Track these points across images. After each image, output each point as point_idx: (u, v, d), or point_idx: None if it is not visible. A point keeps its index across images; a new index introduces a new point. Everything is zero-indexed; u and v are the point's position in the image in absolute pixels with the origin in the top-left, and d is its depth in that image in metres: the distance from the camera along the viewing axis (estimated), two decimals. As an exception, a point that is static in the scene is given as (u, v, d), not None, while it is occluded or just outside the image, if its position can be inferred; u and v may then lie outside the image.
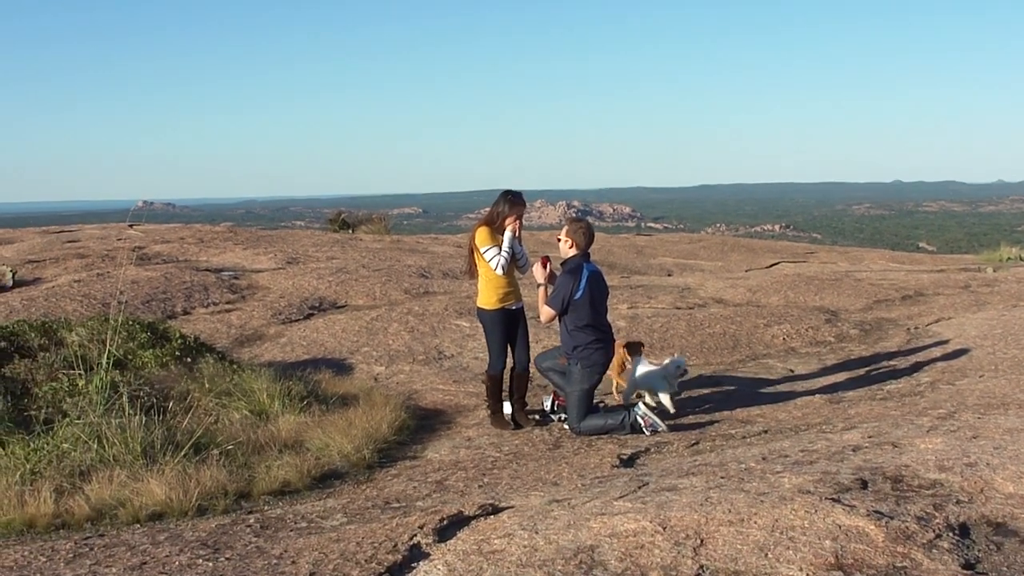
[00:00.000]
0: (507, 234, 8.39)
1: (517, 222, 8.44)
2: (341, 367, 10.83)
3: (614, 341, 8.47)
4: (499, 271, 8.32)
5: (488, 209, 8.60)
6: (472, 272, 8.64)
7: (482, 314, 8.58)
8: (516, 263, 8.51)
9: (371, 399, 8.76)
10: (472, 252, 8.53)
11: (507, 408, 8.67)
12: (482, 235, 8.42)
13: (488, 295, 8.46)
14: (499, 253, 8.32)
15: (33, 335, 9.19)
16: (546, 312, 8.16)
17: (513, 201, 8.43)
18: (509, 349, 8.60)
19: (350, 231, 28.25)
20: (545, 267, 8.38)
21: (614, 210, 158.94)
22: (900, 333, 12.13)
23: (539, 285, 8.41)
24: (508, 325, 8.51)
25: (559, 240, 8.28)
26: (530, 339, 8.76)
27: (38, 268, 18.16)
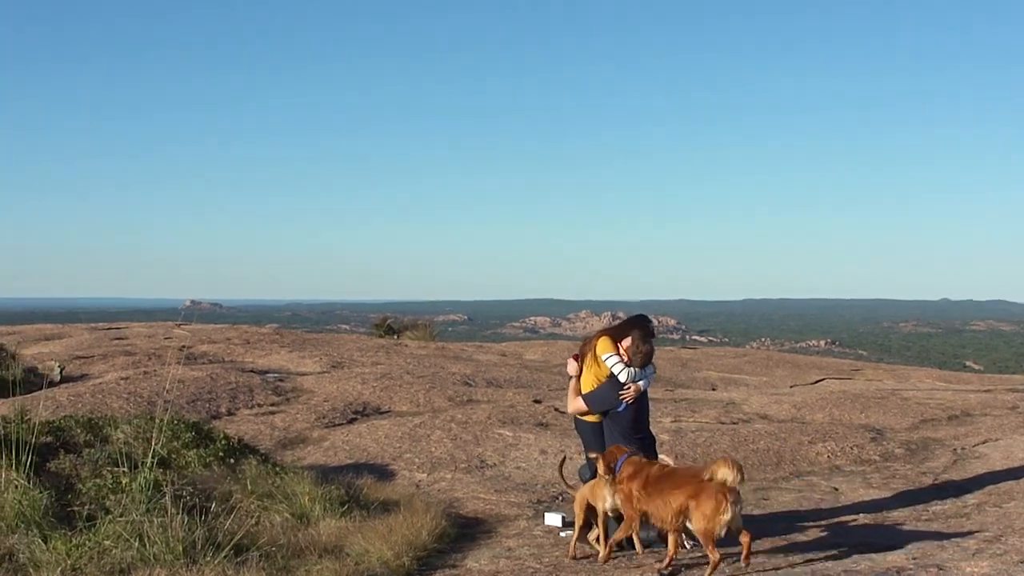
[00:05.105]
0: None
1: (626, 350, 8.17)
2: (383, 473, 10.83)
3: (656, 452, 8.40)
4: (624, 376, 8.04)
5: (616, 323, 8.54)
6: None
7: (581, 424, 8.44)
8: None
9: (412, 506, 8.72)
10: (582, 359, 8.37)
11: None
12: (604, 344, 8.23)
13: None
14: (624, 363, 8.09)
15: (79, 431, 9.32)
16: (579, 406, 8.22)
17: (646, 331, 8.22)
18: None
19: (395, 336, 28.46)
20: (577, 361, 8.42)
21: (659, 322, 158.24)
22: (946, 453, 11.95)
23: (571, 378, 8.42)
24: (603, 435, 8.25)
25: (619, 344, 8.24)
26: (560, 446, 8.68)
27: (86, 364, 18.45)
